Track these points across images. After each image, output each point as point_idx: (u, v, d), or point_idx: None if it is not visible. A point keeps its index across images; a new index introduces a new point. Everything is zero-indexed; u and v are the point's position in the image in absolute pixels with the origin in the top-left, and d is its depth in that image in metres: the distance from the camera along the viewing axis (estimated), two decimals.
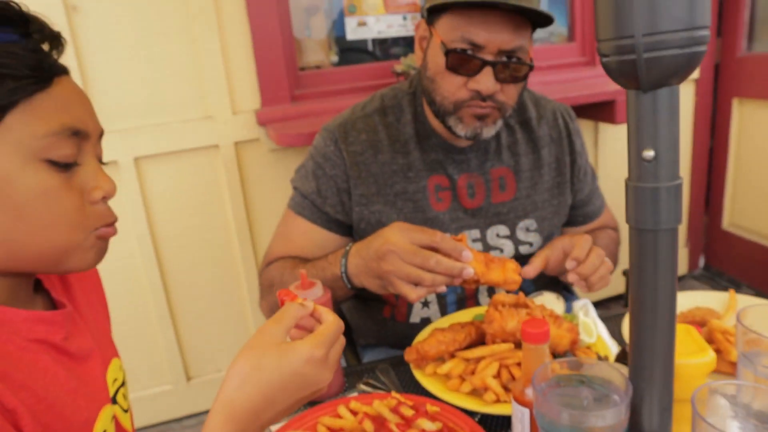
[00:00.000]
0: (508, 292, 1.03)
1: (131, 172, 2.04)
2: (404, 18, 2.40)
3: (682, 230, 3.12)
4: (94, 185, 0.67)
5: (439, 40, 1.09)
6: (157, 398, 2.33)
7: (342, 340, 0.72)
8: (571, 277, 1.03)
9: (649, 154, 0.51)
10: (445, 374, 0.89)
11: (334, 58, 2.67)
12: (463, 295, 1.26)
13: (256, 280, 2.29)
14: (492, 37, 1.04)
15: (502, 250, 1.25)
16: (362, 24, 2.37)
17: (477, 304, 1.27)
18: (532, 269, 1.05)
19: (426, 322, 1.26)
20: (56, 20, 1.79)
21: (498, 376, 0.84)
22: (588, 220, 1.41)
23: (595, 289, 1.04)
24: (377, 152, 1.22)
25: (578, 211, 1.38)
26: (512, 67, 1.08)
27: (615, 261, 1.38)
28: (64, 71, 0.66)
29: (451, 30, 1.07)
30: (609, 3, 0.48)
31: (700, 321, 1.01)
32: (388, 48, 2.88)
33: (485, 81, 1.06)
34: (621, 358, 0.80)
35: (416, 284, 0.93)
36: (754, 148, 2.84)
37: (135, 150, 2.03)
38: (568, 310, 1.06)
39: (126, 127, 2.02)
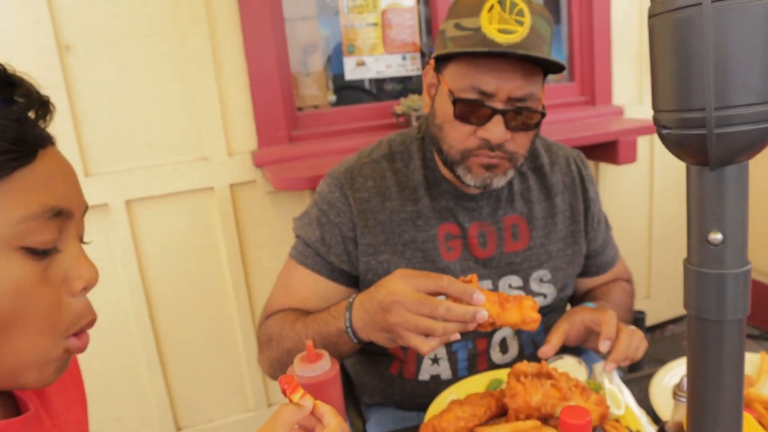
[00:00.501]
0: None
1: (122, 215, 1.97)
2: (403, 58, 2.38)
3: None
4: (76, 274, 0.58)
5: (447, 88, 1.06)
6: None
7: None
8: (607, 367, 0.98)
9: (716, 237, 0.45)
10: None
11: (332, 97, 2.64)
12: (475, 351, 1.20)
13: (251, 328, 2.24)
14: (501, 84, 1.01)
15: (514, 330, 1.20)
16: (361, 64, 2.34)
17: (489, 360, 1.20)
18: (550, 348, 1.02)
19: (436, 379, 1.19)
20: (49, 60, 1.76)
21: None
22: (601, 271, 1.35)
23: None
24: (385, 199, 1.17)
25: (592, 261, 1.32)
26: (523, 115, 1.05)
27: (631, 315, 1.33)
28: (49, 141, 0.59)
29: (459, 78, 1.04)
30: (675, 72, 0.42)
31: None
32: (385, 85, 2.86)
33: (495, 130, 1.03)
34: None
35: (427, 335, 0.86)
36: (755, 186, 2.81)
37: (126, 192, 1.96)
38: (589, 374, 0.99)
39: (118, 169, 1.95)
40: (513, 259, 1.20)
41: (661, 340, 2.95)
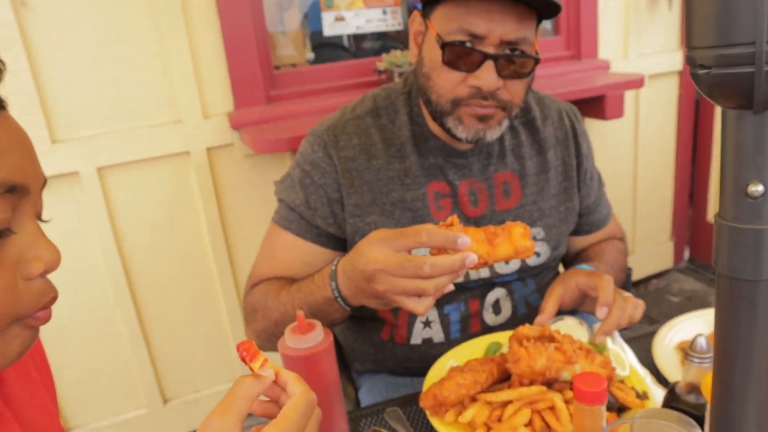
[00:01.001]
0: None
1: (94, 183, 1.88)
2: (384, 12, 2.28)
3: (667, 223, 3.09)
4: (33, 255, 0.52)
5: (434, 32, 0.99)
6: (133, 423, 2.18)
7: (318, 414, 0.59)
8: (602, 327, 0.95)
9: (757, 189, 0.41)
10: (468, 422, 0.78)
11: (310, 55, 2.54)
12: (467, 313, 1.16)
13: (234, 296, 2.19)
14: (493, 26, 0.95)
15: (507, 263, 1.15)
16: (340, 19, 2.24)
17: (482, 321, 1.17)
18: (546, 316, 0.99)
19: (428, 342, 1.16)
20: (2, 17, 1.64)
21: (530, 424, 0.74)
22: (594, 229, 1.32)
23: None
24: (371, 157, 1.11)
25: (584, 219, 1.29)
26: (516, 61, 0.98)
27: (624, 274, 1.30)
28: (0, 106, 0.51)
29: (448, 21, 0.98)
30: (716, 1, 0.37)
31: None
32: (365, 43, 2.76)
33: (486, 76, 0.96)
34: (670, 400, 0.70)
35: (419, 296, 0.80)
36: None
37: (97, 159, 1.87)
38: (591, 334, 0.97)
39: (87, 135, 1.85)
40: (505, 218, 1.16)
41: (646, 295, 2.98)
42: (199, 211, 2.05)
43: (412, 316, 1.16)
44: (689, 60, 0.41)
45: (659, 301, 2.92)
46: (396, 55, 1.99)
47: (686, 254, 3.23)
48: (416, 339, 1.16)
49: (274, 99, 2.08)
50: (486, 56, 0.96)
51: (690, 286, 3.03)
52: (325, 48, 2.77)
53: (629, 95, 2.66)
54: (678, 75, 2.83)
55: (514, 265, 1.15)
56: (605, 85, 2.18)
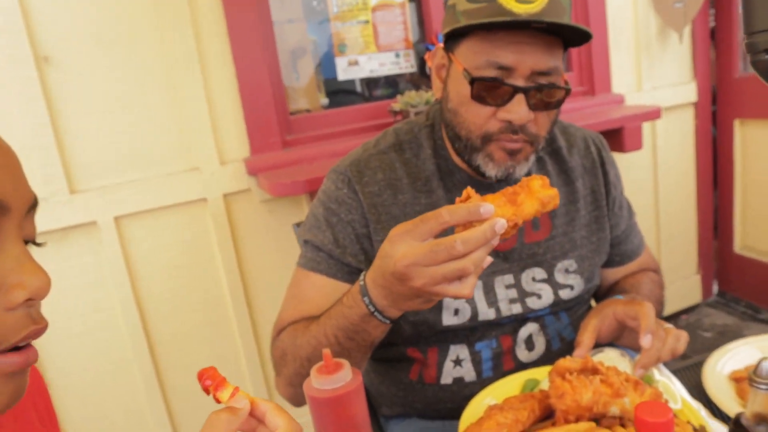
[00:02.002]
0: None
1: (112, 232, 1.87)
2: (396, 55, 2.30)
3: (693, 256, 3.01)
4: (16, 281, 0.46)
5: (461, 68, 0.97)
6: None
7: None
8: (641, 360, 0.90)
9: None
10: None
11: (324, 101, 2.56)
12: (500, 350, 1.11)
13: (253, 345, 2.14)
14: (523, 58, 0.92)
15: (540, 296, 1.11)
16: (353, 63, 2.27)
17: (515, 358, 1.11)
18: (583, 350, 0.95)
19: (459, 382, 1.10)
20: (27, 73, 1.67)
21: None
22: (626, 260, 1.27)
23: None
24: (397, 192, 1.08)
25: (615, 249, 1.24)
26: (546, 93, 0.96)
27: (662, 307, 1.24)
28: None
29: (475, 55, 0.95)
30: None
31: None
32: (377, 89, 2.80)
33: (518, 110, 0.94)
34: (736, 430, 0.64)
35: (460, 278, 0.75)
36: (759, 168, 2.76)
37: (115, 208, 1.87)
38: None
39: (104, 184, 1.86)
40: (535, 250, 1.12)
41: None
42: (217, 258, 2.02)
43: (442, 355, 1.10)
44: (749, 47, 0.38)
45: (691, 337, 2.78)
46: (411, 96, 1.99)
47: (715, 288, 3.13)
48: (447, 378, 1.11)
49: (290, 144, 2.08)
50: (516, 89, 0.93)
51: (722, 321, 2.92)
52: (339, 94, 2.80)
53: (646, 128, 2.64)
54: (693, 107, 2.81)
55: (547, 299, 1.11)
56: (623, 118, 2.16)
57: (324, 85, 2.71)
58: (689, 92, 2.76)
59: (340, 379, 0.70)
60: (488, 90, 0.94)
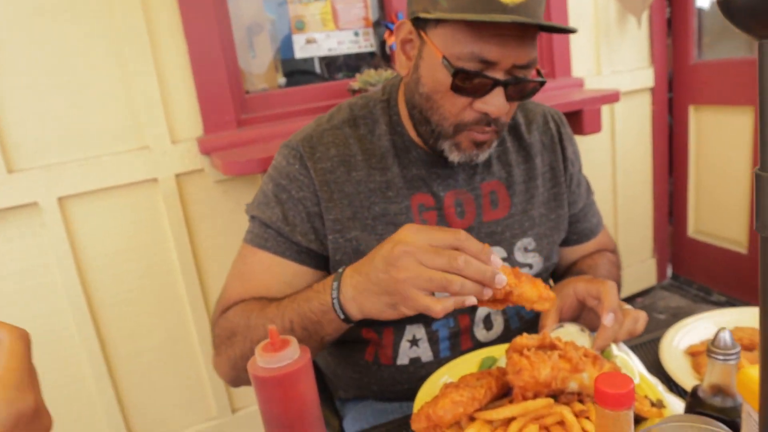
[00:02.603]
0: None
1: (55, 214, 1.77)
2: (356, 34, 2.25)
3: (649, 241, 3.06)
4: None
5: (439, 54, 0.92)
6: None
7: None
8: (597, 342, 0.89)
9: None
10: None
11: (282, 80, 2.49)
12: (457, 329, 1.08)
13: (208, 330, 2.07)
14: (507, 52, 0.89)
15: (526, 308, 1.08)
16: (311, 41, 2.20)
17: (473, 338, 1.09)
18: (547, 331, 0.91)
19: (416, 362, 1.07)
20: None
21: None
22: (584, 239, 1.26)
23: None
24: (350, 169, 1.04)
25: (572, 228, 1.23)
26: (523, 85, 0.94)
27: (620, 288, 1.24)
28: None
29: (458, 44, 0.90)
30: None
31: (748, 345, 0.85)
32: (337, 70, 2.73)
33: (496, 102, 0.92)
34: (694, 405, 0.63)
35: (441, 291, 0.74)
36: (713, 154, 2.82)
37: (59, 189, 1.77)
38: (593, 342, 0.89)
39: (47, 164, 1.75)
40: (494, 229, 1.10)
41: None
42: (169, 241, 1.95)
43: (398, 335, 1.07)
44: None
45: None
46: (370, 74, 1.94)
47: (669, 271, 3.20)
48: (403, 359, 1.08)
49: (245, 123, 2.01)
50: (496, 83, 0.91)
51: (675, 303, 2.99)
52: (297, 74, 2.73)
53: (605, 112, 2.66)
54: (650, 92, 2.84)
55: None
56: (582, 100, 2.16)
57: (282, 65, 2.64)
58: (647, 77, 2.79)
59: (286, 356, 0.66)
60: (469, 82, 0.91)
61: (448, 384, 0.75)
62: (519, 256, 1.10)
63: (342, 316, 0.85)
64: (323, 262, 1.06)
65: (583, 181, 1.25)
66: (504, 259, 1.09)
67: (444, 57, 0.91)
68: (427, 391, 0.80)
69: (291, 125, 1.96)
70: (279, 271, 1.03)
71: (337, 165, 1.04)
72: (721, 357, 0.58)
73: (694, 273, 3.06)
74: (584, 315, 1.01)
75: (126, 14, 1.75)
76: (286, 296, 0.95)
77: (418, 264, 0.73)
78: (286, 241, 1.03)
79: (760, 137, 0.38)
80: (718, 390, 0.60)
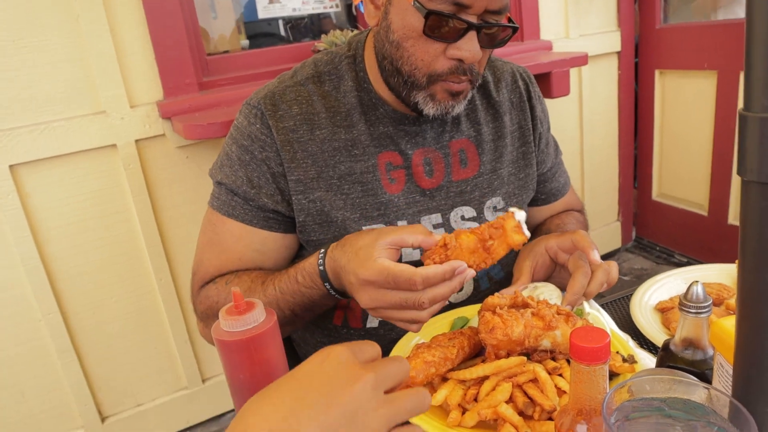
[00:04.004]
0: None
1: (7, 182, 1.69)
2: None
3: (614, 203, 3.11)
4: None
5: None
6: None
7: None
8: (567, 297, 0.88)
9: None
10: (440, 405, 0.68)
11: (244, 42, 2.41)
12: None
13: (175, 299, 2.02)
14: None
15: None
16: (275, 1, 2.12)
17: None
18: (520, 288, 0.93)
19: (385, 325, 1.06)
20: None
21: (511, 400, 0.65)
22: (552, 199, 1.25)
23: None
24: (314, 127, 1.01)
25: (540, 187, 1.22)
26: (496, 31, 0.91)
27: None
28: None
29: None
30: None
31: (715, 300, 0.86)
32: (302, 32, 2.65)
33: (470, 47, 0.88)
34: (665, 359, 0.63)
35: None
36: (677, 118, 2.85)
37: (9, 156, 1.68)
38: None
39: None
40: (463, 188, 1.08)
41: None
42: (131, 209, 1.88)
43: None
44: None
45: None
46: (336, 35, 1.88)
47: (633, 233, 3.26)
48: (372, 322, 1.07)
49: (207, 86, 1.94)
50: (470, 26, 0.87)
51: (639, 265, 3.06)
52: (261, 37, 2.64)
53: (573, 75, 2.65)
54: (616, 55, 2.84)
55: None
56: (551, 62, 2.14)
57: (245, 28, 2.55)
58: (615, 41, 2.79)
59: (251, 319, 0.64)
60: (442, 25, 0.87)
61: (419, 344, 0.74)
62: (488, 215, 1.09)
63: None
64: (291, 225, 1.03)
65: (552, 140, 1.24)
66: (473, 218, 1.08)
67: (416, 0, 0.87)
68: (399, 352, 0.79)
69: (254, 88, 1.88)
70: (250, 240, 1.02)
71: (300, 123, 1.00)
72: (693, 310, 0.58)
73: (657, 235, 3.13)
74: (556, 274, 1.01)
75: None
76: (267, 284, 0.95)
77: (378, 290, 0.75)
78: (253, 208, 1.01)
79: (745, 77, 0.36)
80: (689, 343, 0.60)
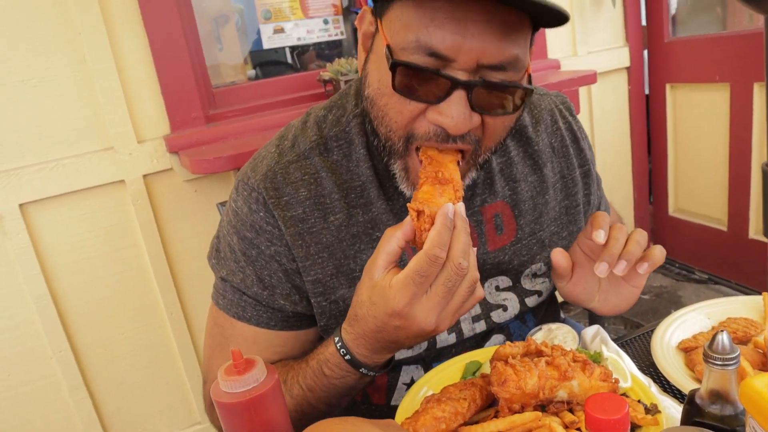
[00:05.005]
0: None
1: (17, 221, 1.69)
2: (325, 22, 2.18)
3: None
4: None
5: (385, 42, 0.71)
6: None
7: None
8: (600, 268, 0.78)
9: None
10: None
11: (251, 72, 2.41)
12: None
13: (186, 335, 2.00)
14: (466, 44, 0.66)
15: (506, 308, 0.95)
16: (279, 30, 2.12)
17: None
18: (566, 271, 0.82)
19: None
20: None
21: None
22: None
23: (646, 270, 0.80)
24: (327, 213, 0.85)
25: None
26: (499, 91, 0.71)
27: None
28: None
29: (403, 29, 0.69)
30: None
31: (742, 337, 0.82)
32: (310, 59, 2.66)
33: (453, 112, 0.69)
34: (691, 413, 0.59)
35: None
36: (690, 131, 2.80)
37: (19, 195, 1.69)
38: (579, 340, 0.85)
39: (5, 169, 1.67)
40: (500, 258, 0.93)
41: None
42: (140, 244, 1.87)
43: (393, 378, 0.95)
44: None
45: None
46: (341, 63, 1.88)
47: None
48: (398, 401, 0.90)
49: (214, 118, 1.94)
50: (455, 84, 0.68)
51: (658, 282, 2.99)
52: (268, 65, 2.65)
53: (582, 94, 2.63)
54: (626, 71, 2.81)
55: (513, 310, 0.96)
56: (560, 82, 2.12)
57: (252, 57, 2.56)
58: (623, 57, 2.76)
59: (252, 379, 0.61)
60: (415, 80, 0.69)
61: (429, 397, 0.70)
62: (527, 283, 0.96)
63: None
64: (314, 320, 0.91)
65: (596, 176, 1.09)
66: (509, 288, 0.95)
67: (388, 46, 0.70)
68: (407, 406, 0.76)
69: (261, 119, 1.89)
70: (267, 343, 0.88)
71: (311, 210, 0.84)
72: (719, 363, 0.54)
73: (676, 251, 3.06)
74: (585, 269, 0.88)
75: (80, 7, 1.66)
76: (288, 376, 0.84)
77: (436, 305, 0.66)
78: (268, 309, 0.87)
79: None
80: (717, 396, 0.56)
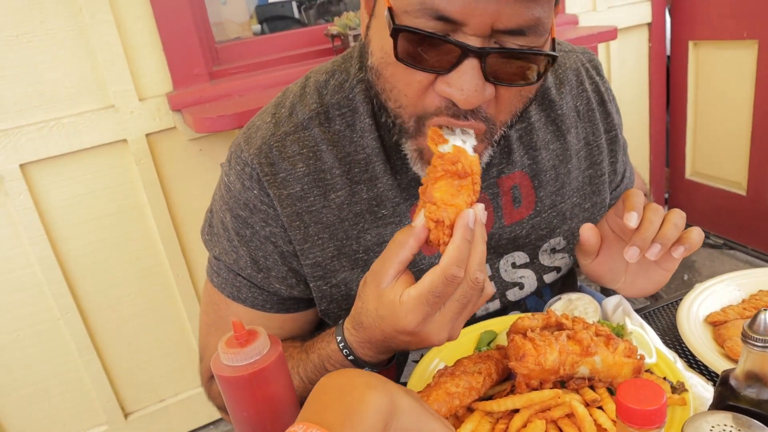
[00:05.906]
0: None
1: (18, 182, 1.66)
2: None
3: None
4: None
5: (386, 4, 0.63)
6: None
7: None
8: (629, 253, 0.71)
9: None
10: None
11: (256, 27, 2.33)
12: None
13: (192, 292, 1.99)
14: (479, 5, 0.57)
15: (522, 286, 0.90)
16: None
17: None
18: (592, 245, 0.75)
19: None
20: None
21: None
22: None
23: (681, 254, 0.72)
24: (327, 190, 0.78)
25: (613, 193, 1.02)
26: (516, 59, 0.62)
27: None
28: None
29: None
30: None
31: None
32: (319, 14, 2.56)
33: (463, 83, 0.61)
34: (725, 396, 0.54)
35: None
36: (712, 92, 2.70)
37: (19, 155, 1.64)
38: (601, 312, 0.81)
39: (4, 128, 1.62)
40: (517, 232, 0.87)
41: None
42: (144, 204, 1.84)
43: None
44: None
45: None
46: (349, 17, 1.79)
47: None
48: (407, 377, 0.89)
49: (218, 75, 1.87)
50: (466, 51, 0.60)
51: None
52: (274, 20, 2.56)
53: (601, 50, 2.52)
54: (647, 27, 2.69)
55: (530, 287, 0.91)
56: (578, 39, 2.03)
57: (257, 12, 2.47)
58: (645, 12, 2.64)
59: (255, 351, 0.57)
60: (421, 48, 0.61)
61: (441, 371, 0.66)
62: (545, 259, 0.91)
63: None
64: (313, 302, 0.87)
65: (623, 140, 1.02)
66: (526, 265, 0.90)
67: (389, 9, 0.61)
68: (418, 379, 0.72)
69: (267, 76, 1.82)
70: (264, 324, 0.81)
71: (310, 187, 0.78)
72: (760, 344, 0.50)
73: (692, 216, 2.99)
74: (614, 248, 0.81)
75: None
76: (290, 365, 0.80)
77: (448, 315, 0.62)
78: (263, 292, 0.83)
79: None
80: (756, 379, 0.51)
